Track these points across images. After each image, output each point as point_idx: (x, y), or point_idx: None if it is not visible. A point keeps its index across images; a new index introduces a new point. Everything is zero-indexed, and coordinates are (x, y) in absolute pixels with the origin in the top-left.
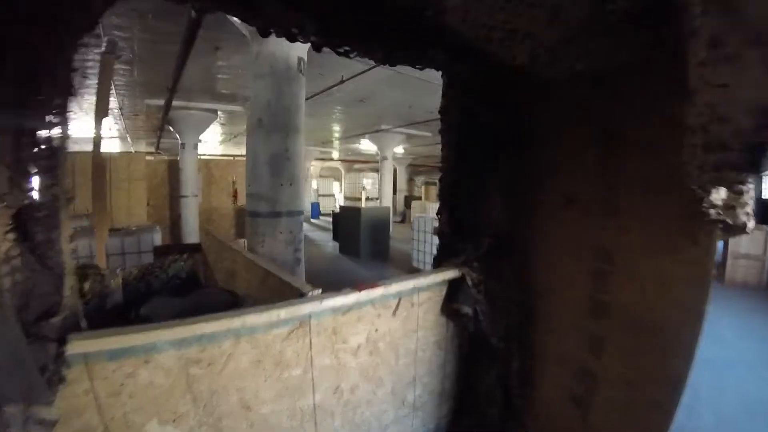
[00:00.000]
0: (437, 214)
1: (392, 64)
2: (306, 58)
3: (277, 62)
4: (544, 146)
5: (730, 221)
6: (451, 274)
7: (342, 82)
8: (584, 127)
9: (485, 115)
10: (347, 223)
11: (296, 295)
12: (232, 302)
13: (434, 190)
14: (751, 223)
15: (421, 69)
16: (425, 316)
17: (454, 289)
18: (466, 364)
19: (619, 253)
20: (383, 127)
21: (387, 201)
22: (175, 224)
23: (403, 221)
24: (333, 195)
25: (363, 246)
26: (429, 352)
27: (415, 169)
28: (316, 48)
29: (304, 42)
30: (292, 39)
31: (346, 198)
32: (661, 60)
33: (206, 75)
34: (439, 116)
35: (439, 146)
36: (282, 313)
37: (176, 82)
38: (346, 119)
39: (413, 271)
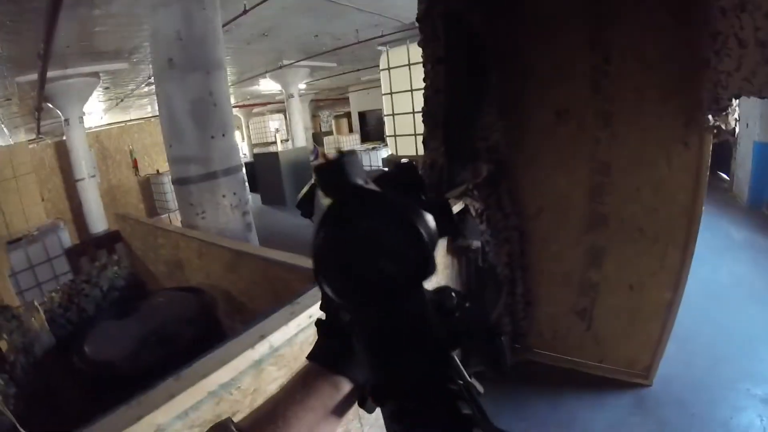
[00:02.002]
0: (423, 143)
1: None
2: None
3: None
4: (534, 55)
5: (723, 126)
6: (456, 207)
7: (245, 12)
8: (577, 32)
9: (476, 20)
10: (266, 171)
11: (303, 276)
12: (201, 306)
13: (345, 123)
14: (737, 128)
15: None
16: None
17: (456, 224)
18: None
19: (616, 164)
20: (286, 62)
21: (299, 141)
22: (77, 215)
23: (316, 159)
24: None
25: (288, 192)
26: None
27: (317, 104)
28: None
29: None
30: None
31: (254, 145)
32: None
33: (82, 32)
34: (417, 26)
35: (343, 76)
36: (313, 309)
37: (49, 45)
38: (245, 58)
39: None
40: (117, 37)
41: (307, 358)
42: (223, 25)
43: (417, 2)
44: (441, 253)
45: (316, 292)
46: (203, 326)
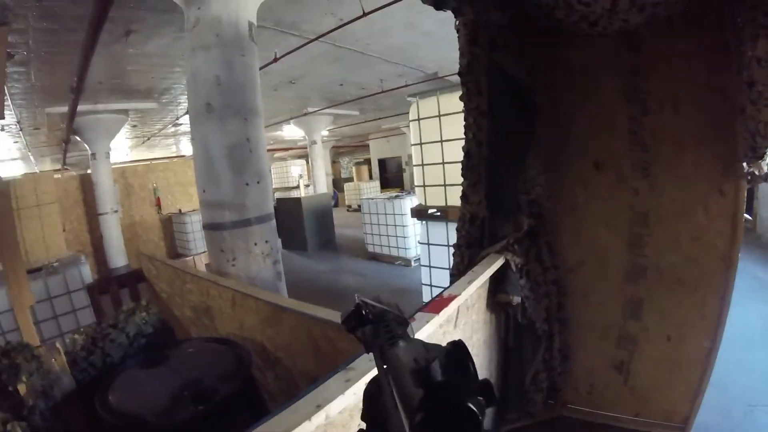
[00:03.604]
0: (462, 197)
1: None
2: (256, 24)
3: (224, 29)
4: (572, 108)
5: (756, 172)
6: (498, 262)
7: (276, 60)
8: (614, 84)
9: (520, 74)
10: (287, 216)
11: (349, 336)
12: (237, 358)
13: (366, 170)
14: None
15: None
16: (476, 318)
17: (497, 279)
18: (507, 355)
19: (654, 214)
20: (310, 109)
21: (321, 187)
22: (97, 248)
23: (336, 205)
24: None
25: (309, 238)
26: (480, 355)
27: (337, 151)
28: None
29: None
30: None
31: (276, 190)
32: (695, 19)
33: (115, 68)
34: (459, 79)
35: (365, 124)
36: (367, 377)
37: (82, 79)
38: (272, 104)
39: (372, 258)
40: (149, 77)
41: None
42: None
43: (459, 56)
44: (481, 308)
45: (369, 356)
46: (239, 382)
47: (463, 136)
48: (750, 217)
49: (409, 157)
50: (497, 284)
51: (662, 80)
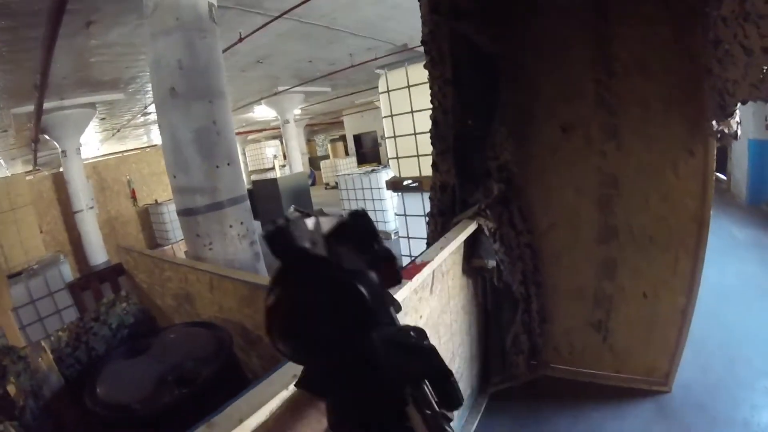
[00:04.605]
0: (432, 165)
1: None
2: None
3: (184, 11)
4: (539, 73)
5: (726, 130)
6: (470, 228)
7: (240, 39)
8: (582, 50)
9: (483, 41)
10: (265, 197)
11: None
12: (217, 340)
13: (341, 147)
14: (739, 131)
15: None
16: (453, 283)
17: (471, 244)
18: (487, 319)
19: (623, 175)
20: (281, 88)
21: (297, 167)
22: (77, 246)
23: (314, 184)
24: None
25: None
26: (459, 320)
27: (312, 129)
28: None
29: None
30: None
31: (251, 172)
32: None
33: (79, 61)
34: (422, 48)
35: (337, 100)
36: None
37: (46, 76)
38: (240, 86)
39: None
40: (113, 67)
41: (294, 385)
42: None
43: (421, 24)
44: (457, 274)
45: None
46: (221, 364)
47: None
48: (725, 177)
49: (384, 130)
50: (472, 249)
51: (629, 44)
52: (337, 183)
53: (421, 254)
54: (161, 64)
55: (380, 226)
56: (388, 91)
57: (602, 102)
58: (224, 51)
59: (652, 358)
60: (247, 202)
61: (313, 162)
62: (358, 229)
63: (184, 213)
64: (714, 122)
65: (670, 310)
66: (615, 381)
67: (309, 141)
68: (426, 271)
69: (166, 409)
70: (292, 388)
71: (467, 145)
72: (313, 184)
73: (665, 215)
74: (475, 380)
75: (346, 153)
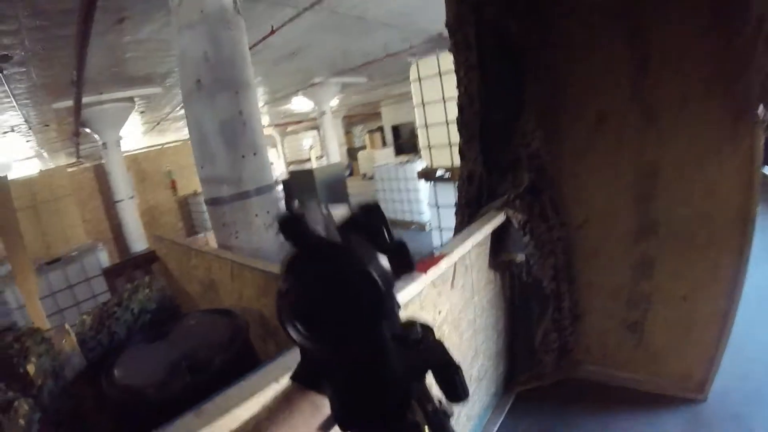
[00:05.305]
0: (459, 154)
1: None
2: None
3: (208, 4)
4: (574, 60)
5: None
6: (497, 219)
7: (272, 32)
8: (619, 37)
9: (512, 28)
10: (301, 187)
11: None
12: (233, 328)
13: (378, 138)
14: None
15: None
16: (478, 277)
17: (499, 237)
18: (515, 315)
19: (663, 166)
20: (317, 80)
21: (334, 157)
22: (118, 235)
23: (351, 174)
24: (272, 164)
25: None
26: (484, 316)
27: (350, 120)
28: None
29: None
30: None
31: (289, 163)
32: None
33: (114, 58)
34: (448, 34)
35: (374, 91)
36: None
37: (81, 71)
38: (276, 78)
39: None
40: (148, 62)
41: (290, 378)
42: (252, 47)
43: (445, 8)
44: (483, 268)
45: None
46: (235, 352)
47: None
48: None
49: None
50: (499, 242)
51: (666, 29)
52: (374, 174)
53: (440, 246)
54: (187, 57)
55: (415, 218)
56: (419, 80)
57: (640, 87)
58: (256, 44)
59: (689, 363)
60: (274, 192)
61: (351, 153)
62: (371, 219)
63: (211, 203)
64: (761, 109)
65: (710, 313)
66: (648, 386)
67: (347, 132)
68: (444, 264)
69: (177, 395)
70: (283, 381)
71: (495, 132)
72: (351, 174)
73: (709, 211)
74: (501, 378)
75: (384, 144)
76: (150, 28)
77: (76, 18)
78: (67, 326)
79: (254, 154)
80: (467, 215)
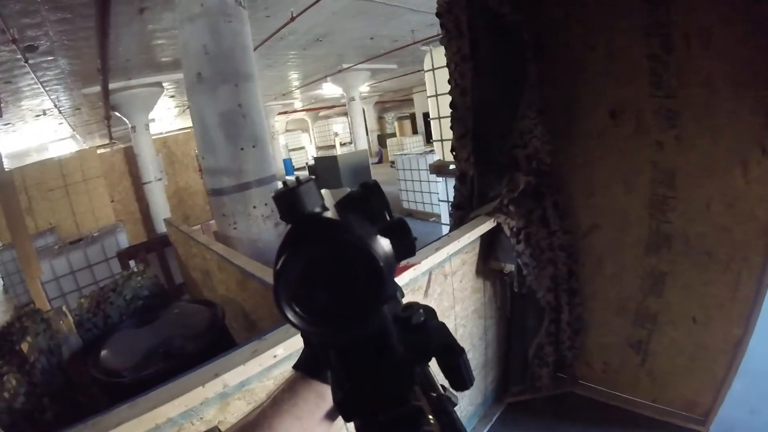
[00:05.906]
0: (451, 151)
1: None
2: None
3: None
4: (582, 49)
5: None
6: (485, 226)
7: (293, 18)
8: (633, 18)
9: (506, 12)
10: (325, 173)
11: None
12: (209, 318)
13: (408, 125)
14: None
15: None
16: (461, 285)
17: (489, 243)
18: (508, 325)
19: (681, 173)
20: (345, 66)
21: (361, 144)
22: (146, 216)
23: (380, 161)
24: (303, 148)
25: None
26: (469, 325)
27: (383, 106)
28: None
29: None
30: None
31: (318, 148)
32: None
33: (140, 45)
34: (438, 23)
35: (405, 78)
36: (280, 350)
37: (105, 60)
38: (304, 64)
39: (408, 215)
40: (173, 49)
41: (293, 367)
42: (275, 33)
43: None
44: (469, 276)
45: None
46: (210, 341)
47: None
48: None
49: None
50: (490, 249)
51: (689, 9)
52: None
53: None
54: (189, 50)
55: (430, 209)
56: (433, 69)
57: (659, 82)
58: (280, 29)
59: (694, 390)
60: (274, 183)
61: (381, 140)
62: (370, 198)
63: (213, 193)
64: None
65: (722, 340)
66: (648, 411)
67: (380, 118)
68: (412, 273)
69: (149, 378)
70: (209, 386)
71: (489, 130)
72: (380, 161)
73: (729, 226)
74: (490, 387)
75: (414, 131)
76: (170, 16)
77: (95, 10)
78: (64, 308)
79: (254, 146)
80: (457, 218)
